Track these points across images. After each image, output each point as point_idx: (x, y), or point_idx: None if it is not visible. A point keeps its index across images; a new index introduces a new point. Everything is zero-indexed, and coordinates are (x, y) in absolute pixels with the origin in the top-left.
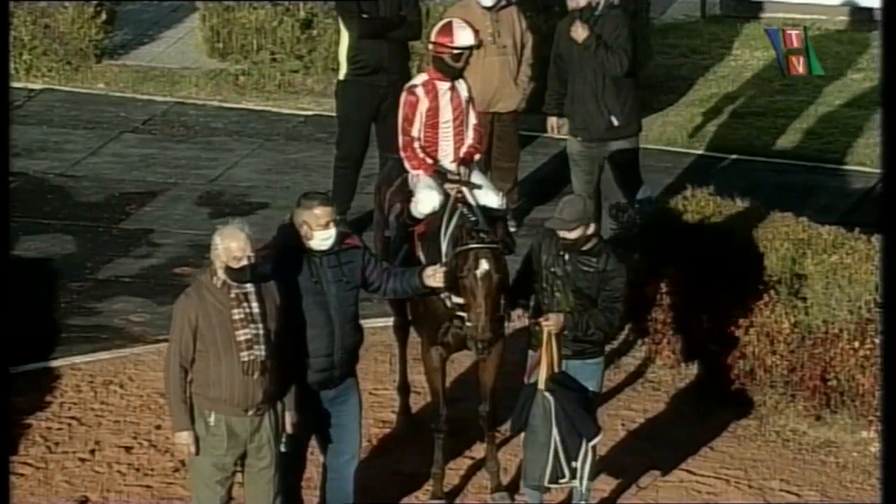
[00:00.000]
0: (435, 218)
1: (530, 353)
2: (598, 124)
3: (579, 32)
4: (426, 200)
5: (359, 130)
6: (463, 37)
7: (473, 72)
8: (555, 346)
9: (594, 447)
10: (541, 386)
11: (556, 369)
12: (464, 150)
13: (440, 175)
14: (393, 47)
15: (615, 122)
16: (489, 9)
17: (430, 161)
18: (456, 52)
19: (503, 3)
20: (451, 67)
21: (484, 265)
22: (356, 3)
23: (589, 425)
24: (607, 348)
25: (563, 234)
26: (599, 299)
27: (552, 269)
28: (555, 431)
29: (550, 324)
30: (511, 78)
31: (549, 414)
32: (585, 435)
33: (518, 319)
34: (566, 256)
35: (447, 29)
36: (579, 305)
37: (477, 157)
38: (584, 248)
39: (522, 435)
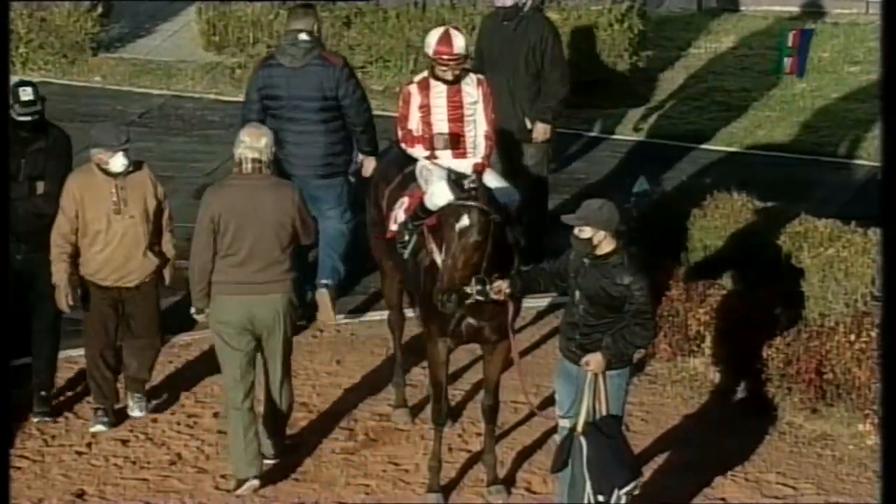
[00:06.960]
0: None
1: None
2: (510, 125)
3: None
4: (440, 192)
5: None
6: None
7: (103, 242)
8: (602, 386)
9: (629, 493)
10: (578, 429)
11: (598, 412)
12: (472, 162)
13: (442, 141)
14: (46, 161)
15: (528, 125)
16: (115, 175)
17: (426, 136)
18: (447, 59)
19: (131, 168)
20: (444, 72)
21: (465, 220)
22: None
23: (621, 472)
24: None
25: (576, 232)
26: (628, 315)
27: (573, 274)
28: (587, 475)
29: (592, 367)
30: (141, 249)
31: (582, 458)
32: (616, 482)
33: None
34: (586, 262)
35: (444, 38)
36: (591, 312)
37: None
38: (602, 256)
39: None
